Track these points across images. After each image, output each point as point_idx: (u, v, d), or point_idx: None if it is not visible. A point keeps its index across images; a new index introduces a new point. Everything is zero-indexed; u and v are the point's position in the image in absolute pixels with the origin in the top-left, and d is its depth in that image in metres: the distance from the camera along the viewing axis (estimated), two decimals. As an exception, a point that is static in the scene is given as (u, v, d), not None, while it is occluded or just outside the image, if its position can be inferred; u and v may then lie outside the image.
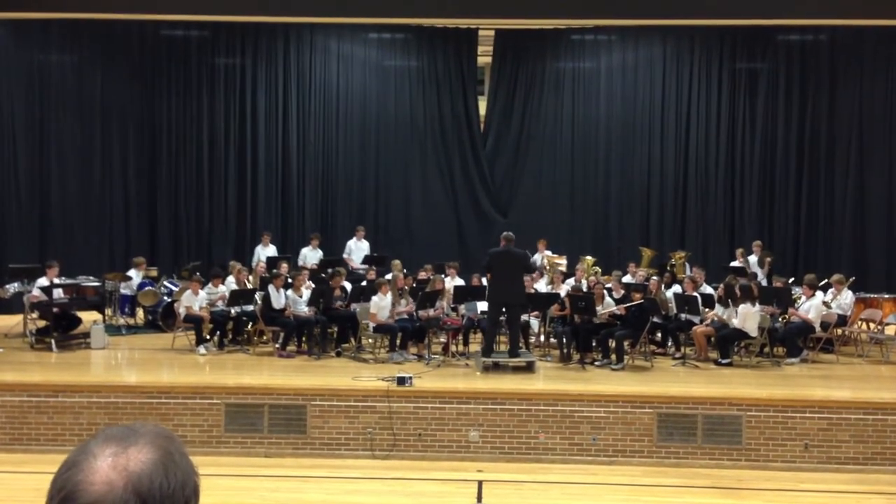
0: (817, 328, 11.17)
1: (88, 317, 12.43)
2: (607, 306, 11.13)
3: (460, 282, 12.82)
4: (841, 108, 16.14)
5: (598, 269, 14.03)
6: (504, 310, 10.40)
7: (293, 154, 16.80)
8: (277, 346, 11.29)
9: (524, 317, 11.47)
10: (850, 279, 12.55)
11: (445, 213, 16.98)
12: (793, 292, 12.11)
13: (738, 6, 12.66)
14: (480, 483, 8.22)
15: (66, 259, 13.22)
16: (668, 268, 14.08)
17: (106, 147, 15.96)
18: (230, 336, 11.69)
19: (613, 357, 10.60)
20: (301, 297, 11.45)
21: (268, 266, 13.15)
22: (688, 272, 13.44)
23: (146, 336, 12.54)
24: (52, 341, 11.19)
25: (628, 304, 10.93)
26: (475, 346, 11.38)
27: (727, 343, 10.81)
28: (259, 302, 11.56)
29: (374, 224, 16.74)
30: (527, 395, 9.10)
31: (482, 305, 11.22)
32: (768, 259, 13.97)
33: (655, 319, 11.05)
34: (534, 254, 14.59)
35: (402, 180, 17.08)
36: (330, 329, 11.42)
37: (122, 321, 12.97)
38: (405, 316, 11.26)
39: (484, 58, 17.13)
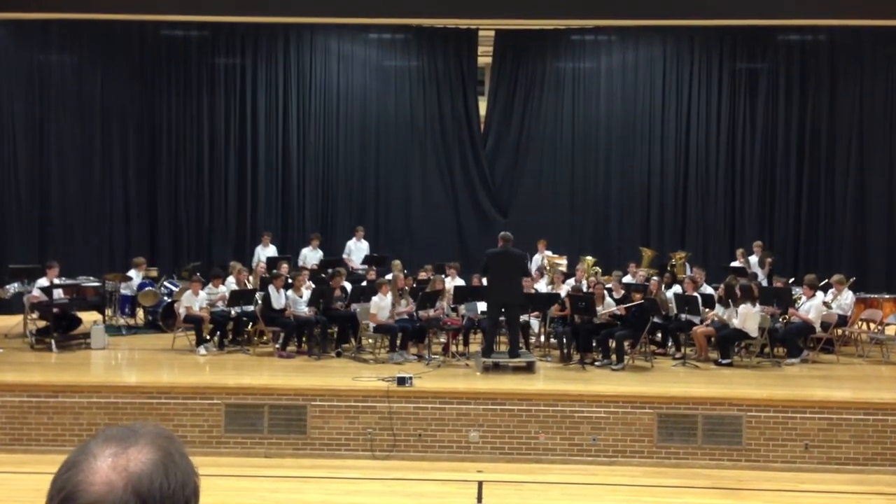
0: (817, 328, 11.17)
1: (88, 317, 12.42)
2: (607, 306, 11.13)
3: (460, 282, 12.82)
4: (841, 107, 16.14)
5: (598, 269, 14.03)
6: (503, 310, 10.40)
7: (293, 154, 16.81)
8: (277, 346, 11.28)
9: (524, 317, 11.48)
10: (851, 279, 12.55)
11: (445, 214, 16.98)
12: (793, 292, 12.11)
13: (738, 6, 12.67)
14: (480, 483, 8.22)
15: (66, 259, 13.22)
16: (669, 268, 14.08)
17: (106, 147, 15.97)
18: (230, 336, 11.69)
19: (614, 357, 10.60)
20: (301, 297, 11.45)
21: (268, 266, 13.14)
22: (688, 272, 13.44)
23: (146, 336, 12.54)
24: (52, 342, 11.19)
25: (628, 305, 10.93)
26: (475, 347, 11.37)
27: (727, 343, 10.81)
28: (259, 302, 11.56)
29: (375, 224, 16.74)
30: (527, 395, 9.10)
31: (482, 306, 11.21)
32: (769, 259, 13.97)
33: (656, 320, 11.04)
34: (534, 254, 14.61)
35: (402, 180, 17.08)
36: (330, 329, 11.41)
37: (122, 321, 12.96)
38: (405, 316, 11.26)
39: (484, 58, 17.14)
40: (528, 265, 11.54)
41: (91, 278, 13.23)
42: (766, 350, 11.33)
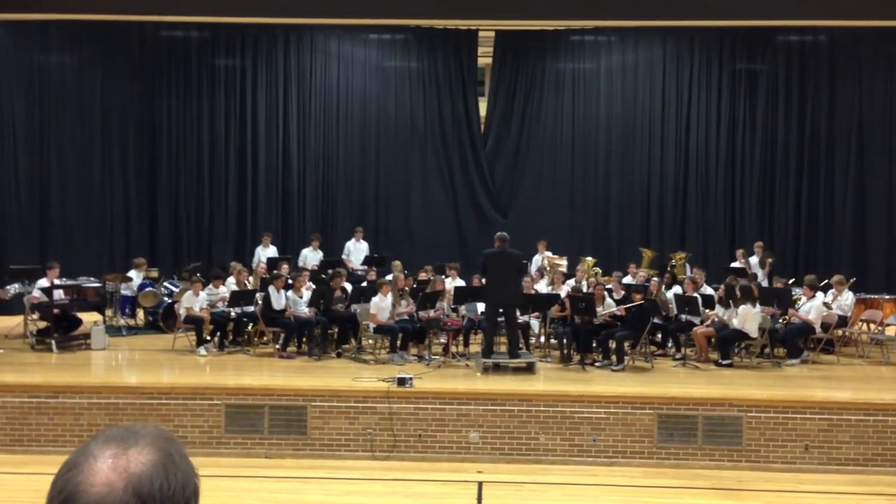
0: (818, 329, 11.17)
1: (89, 318, 12.42)
2: (608, 307, 11.13)
3: (461, 282, 12.82)
4: (840, 108, 16.15)
5: (598, 269, 14.03)
6: (501, 310, 10.39)
7: (293, 155, 16.81)
8: (278, 346, 11.28)
9: (525, 318, 11.48)
10: (851, 280, 12.55)
11: (445, 214, 16.99)
12: (793, 293, 12.11)
13: (738, 7, 12.67)
14: (480, 484, 8.22)
15: (66, 260, 13.22)
16: (669, 269, 14.09)
17: (106, 147, 15.98)
18: (230, 337, 11.69)
19: (614, 358, 10.60)
20: (301, 297, 11.45)
21: (268, 267, 13.15)
22: (688, 273, 13.45)
23: (146, 337, 12.54)
24: (53, 342, 11.19)
25: (629, 305, 10.93)
26: (475, 347, 11.38)
27: (727, 344, 10.81)
28: (259, 303, 11.56)
29: (375, 225, 16.76)
30: (527, 396, 9.10)
31: (482, 306, 11.21)
32: (769, 260, 13.97)
33: (656, 320, 11.04)
34: (534, 255, 14.62)
35: (402, 181, 17.09)
36: (330, 330, 11.41)
37: (122, 322, 12.96)
38: (405, 317, 11.26)
39: (484, 59, 17.14)
40: (525, 265, 11.54)
41: (91, 279, 13.23)
42: (767, 351, 11.33)
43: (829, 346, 11.47)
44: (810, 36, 16.21)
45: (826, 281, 12.28)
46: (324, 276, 12.94)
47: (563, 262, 14.27)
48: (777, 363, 10.94)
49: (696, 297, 11.36)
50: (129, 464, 1.16)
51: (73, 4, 12.65)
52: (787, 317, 11.76)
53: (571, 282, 12.74)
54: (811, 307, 11.18)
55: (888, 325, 11.99)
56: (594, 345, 10.89)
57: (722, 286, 11.62)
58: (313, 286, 11.79)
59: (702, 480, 8.52)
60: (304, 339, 11.44)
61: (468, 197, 17.00)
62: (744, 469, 8.74)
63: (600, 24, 15.84)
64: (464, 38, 16.75)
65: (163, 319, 12.74)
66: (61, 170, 15.40)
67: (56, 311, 11.57)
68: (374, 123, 17.02)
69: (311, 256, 14.73)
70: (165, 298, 12.95)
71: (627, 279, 13.13)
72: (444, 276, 12.67)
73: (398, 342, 10.87)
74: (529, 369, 10.20)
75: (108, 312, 12.85)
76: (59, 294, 11.80)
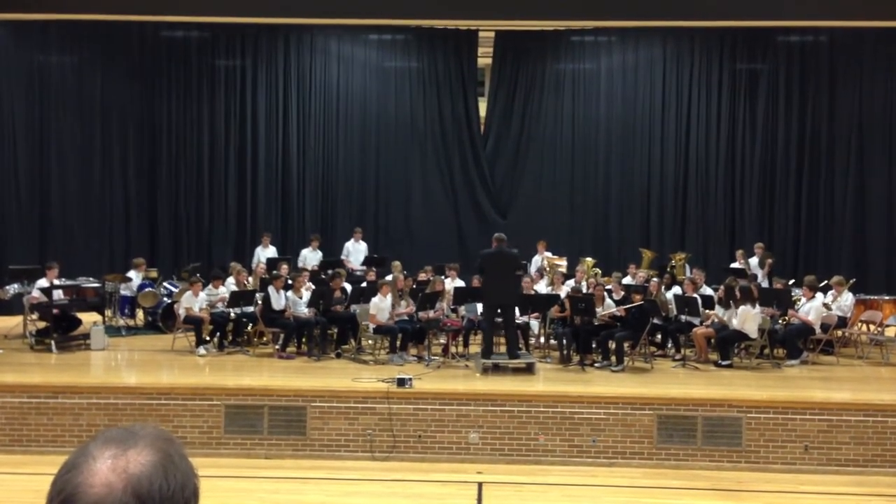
0: (817, 330, 11.17)
1: (88, 318, 12.41)
2: (607, 308, 11.13)
3: (460, 283, 12.82)
4: (841, 108, 16.15)
5: (598, 270, 14.03)
6: (499, 311, 10.39)
7: (293, 155, 16.81)
8: (277, 347, 11.28)
9: (524, 318, 11.48)
10: (851, 281, 12.55)
11: (445, 215, 16.99)
12: (793, 294, 12.11)
13: (738, 7, 12.67)
14: (480, 485, 8.21)
15: (65, 260, 13.22)
16: (669, 269, 14.08)
17: (106, 147, 15.98)
18: (230, 337, 11.68)
19: (613, 359, 10.60)
20: (301, 298, 11.45)
21: (268, 267, 13.14)
22: (688, 273, 13.45)
23: (146, 337, 12.54)
24: (52, 342, 11.18)
25: (628, 306, 10.93)
26: (475, 348, 11.37)
27: (727, 344, 10.81)
28: (259, 303, 11.56)
29: (374, 225, 16.76)
30: (526, 396, 9.10)
31: (482, 307, 11.21)
32: (769, 260, 13.97)
33: (655, 321, 11.03)
34: (534, 255, 14.62)
35: (402, 181, 17.08)
36: (330, 330, 11.41)
37: (121, 322, 12.96)
38: (405, 317, 11.25)
39: (484, 59, 17.14)
40: (522, 264, 11.53)
41: (91, 279, 13.23)
42: (766, 351, 11.33)
43: (829, 347, 11.47)
44: (811, 36, 16.21)
45: (826, 282, 12.28)
46: (323, 276, 12.93)
47: (562, 263, 14.27)
48: (777, 364, 10.94)
49: (695, 298, 11.36)
50: (128, 464, 1.16)
51: (73, 4, 12.65)
52: (786, 317, 11.76)
53: (571, 282, 12.74)
54: (811, 308, 11.18)
55: (888, 325, 11.99)
56: (594, 345, 10.89)
57: (721, 287, 11.62)
58: (313, 286, 11.79)
59: (701, 481, 8.51)
60: (304, 340, 11.44)
61: (468, 197, 17.00)
62: (743, 470, 8.74)
63: (600, 25, 15.84)
64: (464, 39, 16.75)
65: (162, 320, 12.74)
66: (61, 170, 15.40)
67: (55, 311, 11.57)
68: (374, 123, 17.01)
69: (310, 257, 14.73)
70: (165, 299, 12.94)
71: (627, 280, 13.13)
72: (443, 277, 12.67)
73: (398, 343, 10.87)
74: (529, 370, 10.20)
75: (108, 313, 12.84)
76: (58, 294, 11.79)
